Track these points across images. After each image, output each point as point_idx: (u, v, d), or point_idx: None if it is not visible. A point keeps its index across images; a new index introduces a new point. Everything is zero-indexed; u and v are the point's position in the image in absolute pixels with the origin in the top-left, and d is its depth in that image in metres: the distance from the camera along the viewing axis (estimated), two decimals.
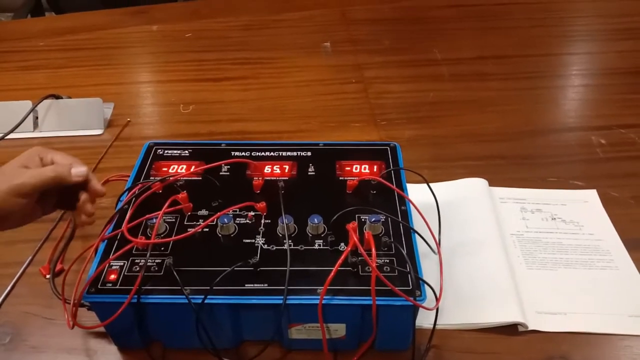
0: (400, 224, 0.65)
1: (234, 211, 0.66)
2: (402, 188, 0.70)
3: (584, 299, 0.69)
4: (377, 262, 0.59)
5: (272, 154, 0.76)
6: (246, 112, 1.07)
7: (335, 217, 0.64)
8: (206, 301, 0.56)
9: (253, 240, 0.63)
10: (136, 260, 0.61)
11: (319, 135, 1.00)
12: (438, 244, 0.68)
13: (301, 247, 0.62)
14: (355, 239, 0.57)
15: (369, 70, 1.18)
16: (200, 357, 0.60)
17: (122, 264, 0.60)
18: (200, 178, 0.72)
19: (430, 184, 0.73)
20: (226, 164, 0.73)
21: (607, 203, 0.83)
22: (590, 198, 0.84)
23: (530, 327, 0.66)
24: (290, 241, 0.63)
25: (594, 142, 0.96)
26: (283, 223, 0.63)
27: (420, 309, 0.57)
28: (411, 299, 0.55)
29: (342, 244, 0.62)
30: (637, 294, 0.70)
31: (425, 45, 1.26)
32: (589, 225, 0.80)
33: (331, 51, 1.26)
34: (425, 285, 0.58)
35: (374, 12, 1.42)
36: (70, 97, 1.05)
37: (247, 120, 1.04)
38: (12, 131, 0.99)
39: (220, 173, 0.73)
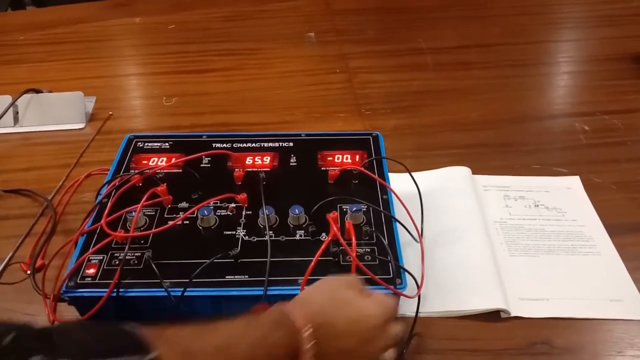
0: (382, 213, 0.65)
1: (214, 203, 0.65)
2: (384, 177, 0.70)
3: (566, 285, 0.70)
4: (358, 252, 0.59)
5: (253, 145, 0.76)
6: (230, 104, 1.06)
7: (315, 207, 0.63)
8: (186, 293, 0.55)
9: (234, 232, 0.63)
10: (115, 254, 0.60)
11: (304, 126, 0.99)
12: (420, 233, 0.68)
13: (282, 238, 0.62)
14: (335, 229, 0.57)
15: (353, 60, 1.17)
16: None
17: (101, 257, 0.60)
18: (181, 170, 0.71)
19: (414, 173, 0.73)
20: (207, 156, 0.73)
21: (590, 189, 0.83)
22: (573, 184, 0.85)
23: (513, 314, 0.66)
24: (271, 232, 0.62)
25: (577, 128, 0.96)
26: (264, 214, 0.63)
27: (402, 297, 0.57)
28: (391, 287, 0.55)
29: (324, 234, 0.62)
30: (618, 278, 0.71)
31: (409, 34, 1.26)
32: (572, 211, 0.80)
33: (315, 41, 1.25)
34: (407, 274, 0.58)
35: (358, 2, 1.41)
36: (51, 92, 1.04)
37: (231, 112, 1.04)
38: None
39: (201, 165, 0.72)
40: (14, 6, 1.88)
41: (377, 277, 0.56)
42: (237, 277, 0.58)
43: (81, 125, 1.01)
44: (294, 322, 0.43)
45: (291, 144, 0.76)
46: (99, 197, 0.66)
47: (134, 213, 0.61)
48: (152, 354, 0.33)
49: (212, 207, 0.64)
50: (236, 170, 0.70)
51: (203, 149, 0.73)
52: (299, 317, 0.44)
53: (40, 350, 0.30)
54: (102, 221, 0.61)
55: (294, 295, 0.55)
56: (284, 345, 0.42)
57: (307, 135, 0.78)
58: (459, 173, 0.85)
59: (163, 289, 0.56)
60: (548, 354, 0.63)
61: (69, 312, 0.62)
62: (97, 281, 0.58)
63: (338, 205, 0.66)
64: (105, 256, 0.60)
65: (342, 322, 0.45)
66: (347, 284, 0.50)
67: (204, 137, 0.77)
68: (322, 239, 0.62)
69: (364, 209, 0.64)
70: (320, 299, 0.47)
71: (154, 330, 0.36)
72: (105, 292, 0.56)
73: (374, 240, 0.62)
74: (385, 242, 0.61)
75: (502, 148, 0.93)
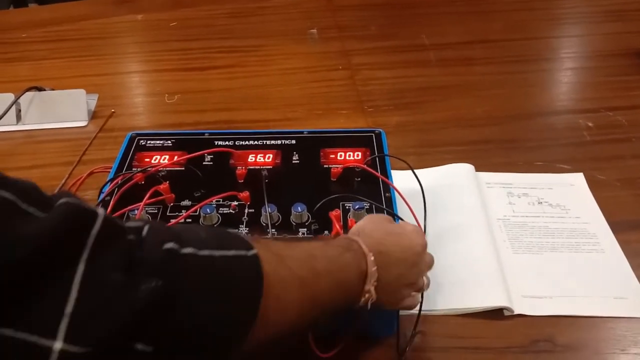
0: (385, 211, 0.64)
1: (217, 201, 0.65)
2: (387, 175, 0.70)
3: (569, 283, 0.70)
4: None
5: (256, 142, 0.75)
6: (232, 101, 1.06)
7: (318, 205, 0.63)
8: None
9: (236, 230, 0.63)
10: None
11: (306, 123, 0.99)
12: (423, 231, 0.68)
13: (285, 236, 0.62)
14: (338, 226, 0.57)
15: (355, 56, 1.17)
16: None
17: None
18: (183, 168, 0.71)
19: (417, 170, 0.72)
20: (209, 154, 0.72)
21: (594, 186, 0.83)
22: (576, 181, 0.84)
23: (516, 312, 0.66)
24: (273, 230, 0.62)
25: (581, 125, 0.96)
26: (266, 212, 0.63)
27: None
28: None
29: (326, 232, 0.62)
30: (622, 276, 0.70)
31: (412, 30, 1.25)
32: (576, 208, 0.80)
33: (318, 38, 1.25)
34: None
35: None
36: (53, 89, 1.04)
37: (233, 109, 1.04)
38: None
39: (204, 163, 0.72)
40: (16, 4, 1.88)
41: None
42: None
43: (84, 123, 1.01)
44: (360, 248, 0.49)
45: (294, 142, 0.76)
46: (102, 195, 0.66)
47: (136, 211, 0.61)
48: (253, 251, 0.39)
49: (214, 205, 0.64)
50: (238, 168, 0.70)
51: (205, 147, 0.73)
52: (364, 245, 0.50)
53: (171, 240, 0.35)
54: None
55: None
56: (354, 266, 0.48)
57: (309, 132, 0.77)
58: (463, 170, 0.84)
59: None
60: (551, 351, 0.62)
61: None
62: None
63: (341, 203, 0.65)
64: None
65: (396, 250, 0.52)
66: (388, 219, 0.58)
67: (206, 134, 0.77)
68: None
69: (367, 207, 0.64)
70: (377, 232, 0.53)
71: (251, 237, 0.43)
72: None
73: None
74: None
75: (506, 144, 0.92)
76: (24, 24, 1.34)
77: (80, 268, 0.29)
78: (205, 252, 0.36)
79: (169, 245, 0.35)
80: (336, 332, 0.62)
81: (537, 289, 0.69)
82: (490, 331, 0.65)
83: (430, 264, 0.58)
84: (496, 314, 0.66)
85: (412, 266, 0.54)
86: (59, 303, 0.28)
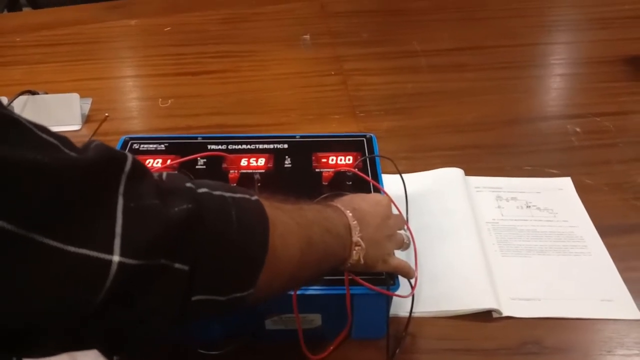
0: None
1: None
2: (378, 179, 0.71)
3: (557, 285, 0.71)
4: None
5: (248, 146, 0.76)
6: (225, 106, 1.07)
7: None
8: None
9: None
10: None
11: (298, 128, 1.00)
12: (412, 234, 0.69)
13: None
14: None
15: (348, 62, 1.18)
16: (178, 351, 0.61)
17: None
18: (176, 172, 0.72)
19: (407, 174, 0.74)
20: (202, 158, 0.73)
21: (582, 190, 0.84)
22: (564, 186, 0.86)
23: (505, 314, 0.67)
24: None
25: (569, 130, 0.97)
26: None
27: (395, 297, 0.58)
28: (380, 288, 0.56)
29: None
30: (609, 278, 0.72)
31: (403, 37, 1.27)
32: (563, 212, 0.81)
33: (310, 44, 1.26)
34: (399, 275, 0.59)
35: (353, 4, 1.42)
36: (47, 93, 1.04)
37: (227, 114, 1.04)
38: None
39: (196, 167, 0.73)
40: (9, 7, 1.88)
41: (370, 277, 0.57)
42: None
43: (77, 127, 1.01)
44: (336, 205, 0.55)
45: (286, 146, 0.76)
46: None
47: None
48: (255, 197, 0.44)
49: None
50: (231, 171, 0.71)
51: (198, 151, 0.73)
52: (338, 204, 0.55)
53: (188, 182, 0.41)
54: None
55: (288, 295, 0.56)
56: (337, 218, 0.53)
57: (301, 137, 0.78)
58: (452, 174, 0.85)
59: None
60: (539, 353, 0.63)
61: None
62: None
63: None
64: None
65: (366, 205, 0.57)
66: None
67: (199, 138, 0.78)
68: None
69: None
70: (344, 198, 0.58)
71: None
72: None
73: None
74: None
75: (495, 150, 0.94)
76: (18, 28, 1.34)
77: (120, 198, 0.34)
78: (218, 193, 0.42)
79: (188, 184, 0.40)
80: (327, 335, 0.63)
81: (526, 292, 0.70)
82: (480, 333, 0.66)
83: (401, 221, 0.63)
84: (485, 316, 0.67)
85: (386, 218, 0.58)
86: (110, 225, 0.33)
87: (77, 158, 0.33)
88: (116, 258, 0.32)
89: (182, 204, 0.37)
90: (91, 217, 0.32)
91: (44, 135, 0.32)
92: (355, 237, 0.53)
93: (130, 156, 0.36)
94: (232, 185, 0.45)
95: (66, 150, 0.33)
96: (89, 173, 0.33)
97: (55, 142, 0.33)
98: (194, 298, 0.38)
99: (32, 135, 0.32)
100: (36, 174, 0.30)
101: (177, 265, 0.36)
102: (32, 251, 0.30)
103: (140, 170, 0.36)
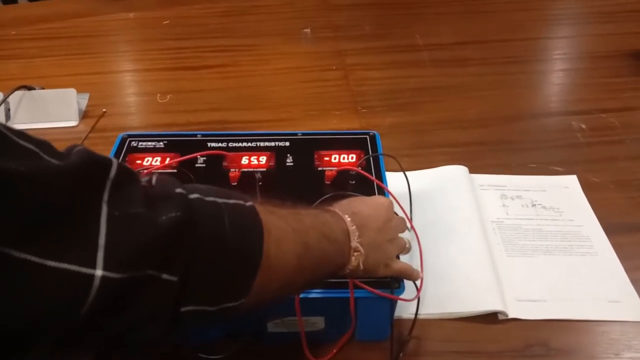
0: None
1: None
2: (382, 177, 0.69)
3: (563, 286, 0.69)
4: None
5: (249, 144, 0.75)
6: (225, 101, 1.05)
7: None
8: None
9: None
10: None
11: (300, 124, 0.98)
12: (417, 233, 0.67)
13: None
14: None
15: (349, 56, 1.17)
16: (177, 354, 0.59)
17: None
18: (175, 171, 0.70)
19: (411, 172, 0.72)
20: (201, 156, 0.72)
21: (587, 188, 0.83)
22: (570, 184, 0.84)
23: (510, 316, 0.66)
24: None
25: (574, 127, 0.96)
26: None
27: (400, 300, 0.57)
28: (384, 292, 0.55)
29: None
30: (615, 279, 0.70)
31: (406, 30, 1.25)
32: (569, 211, 0.80)
33: (311, 38, 1.24)
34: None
35: None
36: (43, 88, 1.02)
37: (226, 110, 1.03)
38: None
39: (196, 165, 0.71)
40: (5, 0, 1.86)
41: (374, 280, 0.55)
42: None
43: (74, 123, 1.00)
44: (334, 211, 0.54)
45: (287, 144, 0.75)
46: None
47: None
48: (250, 202, 0.43)
49: None
50: (232, 170, 0.70)
51: (198, 149, 0.72)
52: (336, 209, 0.54)
53: (179, 187, 0.39)
54: None
55: (291, 298, 0.55)
56: (335, 223, 0.52)
57: (303, 134, 0.77)
58: (456, 172, 0.84)
59: None
60: (545, 355, 0.62)
61: None
62: None
63: None
64: None
65: (366, 209, 0.56)
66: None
67: (198, 136, 0.76)
68: None
69: None
70: (342, 202, 0.57)
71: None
72: None
73: None
74: None
75: (499, 146, 0.92)
76: (14, 21, 1.33)
77: (104, 206, 0.32)
78: (210, 199, 0.40)
79: (179, 190, 0.39)
80: (330, 337, 0.62)
81: (531, 293, 0.68)
82: (485, 335, 0.64)
83: (404, 223, 0.62)
84: (490, 317, 0.66)
85: (387, 220, 0.56)
86: (93, 236, 0.31)
87: (57, 165, 0.31)
88: (99, 272, 0.31)
89: (170, 212, 0.35)
90: (72, 228, 0.31)
91: (21, 142, 0.31)
92: (354, 243, 0.51)
93: (115, 161, 0.35)
94: (226, 189, 0.43)
95: (46, 157, 0.31)
96: (71, 181, 0.31)
97: (33, 148, 0.31)
98: (183, 309, 0.37)
99: (8, 142, 0.30)
100: (12, 185, 0.28)
101: (164, 276, 0.35)
102: (8, 267, 0.28)
103: (126, 175, 0.35)
